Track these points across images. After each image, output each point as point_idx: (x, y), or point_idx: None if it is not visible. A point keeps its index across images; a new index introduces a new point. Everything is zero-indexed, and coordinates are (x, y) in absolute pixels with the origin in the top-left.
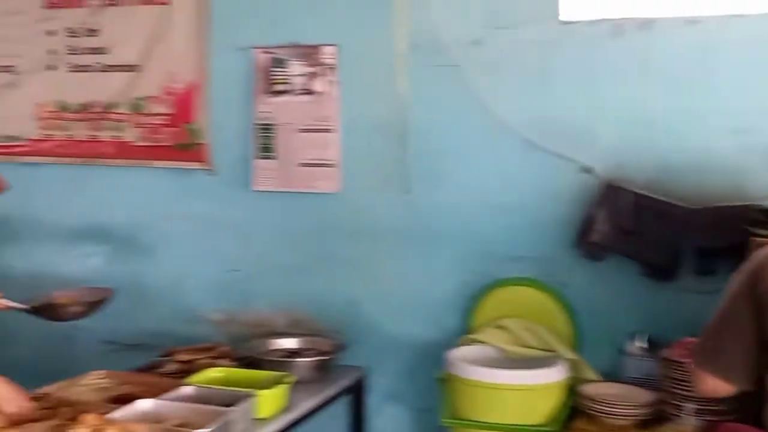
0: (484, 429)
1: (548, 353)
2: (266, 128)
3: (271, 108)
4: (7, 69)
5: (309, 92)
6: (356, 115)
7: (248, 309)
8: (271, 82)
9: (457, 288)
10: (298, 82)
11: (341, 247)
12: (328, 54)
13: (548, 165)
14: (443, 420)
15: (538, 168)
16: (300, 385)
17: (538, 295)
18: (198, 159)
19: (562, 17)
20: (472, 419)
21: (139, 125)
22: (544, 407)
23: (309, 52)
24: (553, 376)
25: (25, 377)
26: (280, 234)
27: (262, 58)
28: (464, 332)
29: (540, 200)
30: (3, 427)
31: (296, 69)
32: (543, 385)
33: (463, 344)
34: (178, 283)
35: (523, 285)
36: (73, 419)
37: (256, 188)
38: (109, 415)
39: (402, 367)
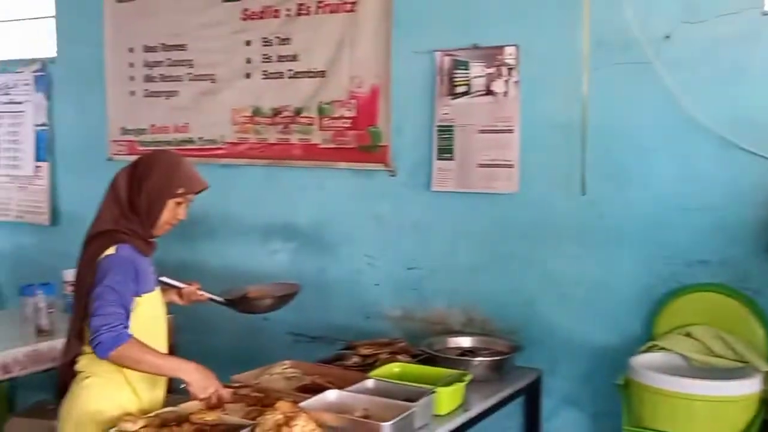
0: None
1: (740, 364)
2: (446, 130)
3: (452, 109)
4: (208, 77)
5: (489, 93)
6: (536, 115)
7: (425, 306)
8: (451, 84)
9: (640, 292)
10: (478, 83)
11: (519, 247)
12: (509, 54)
13: (742, 164)
14: (625, 428)
15: (730, 167)
16: (475, 384)
17: (728, 302)
18: (380, 160)
19: None
20: (656, 428)
21: (325, 128)
22: (736, 421)
23: (490, 54)
24: (748, 388)
25: (222, 364)
26: (457, 233)
27: (444, 60)
28: (646, 338)
29: (731, 202)
30: (201, 410)
31: (477, 70)
32: (736, 397)
33: (646, 351)
34: (359, 279)
35: (712, 291)
36: (267, 406)
37: (435, 189)
38: (300, 404)
39: (579, 371)
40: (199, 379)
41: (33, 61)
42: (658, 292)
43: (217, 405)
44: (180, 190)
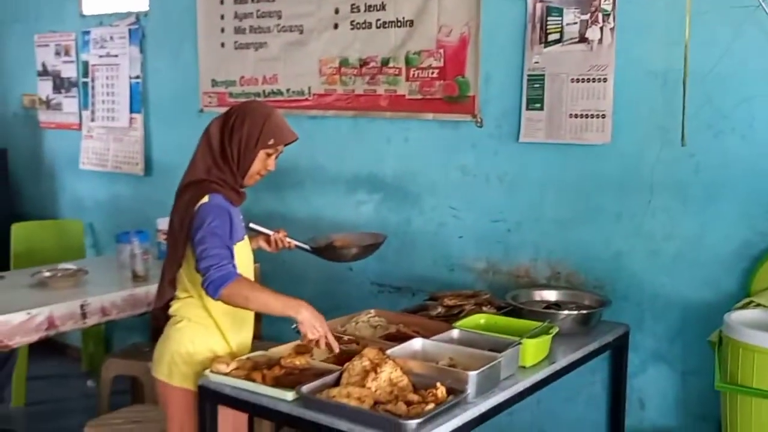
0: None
1: None
2: (536, 79)
3: (543, 58)
4: (296, 28)
5: (583, 40)
6: (632, 63)
7: (510, 259)
8: (543, 32)
9: (737, 247)
10: (572, 30)
11: (609, 200)
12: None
13: None
14: (718, 385)
15: None
16: (561, 338)
17: None
18: (467, 111)
19: None
20: (751, 387)
21: (411, 79)
22: None
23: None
24: None
25: None
26: (545, 186)
27: (536, 6)
28: (742, 295)
29: None
30: (291, 355)
31: (570, 17)
32: None
33: (742, 307)
34: (443, 231)
35: None
36: (355, 352)
37: (523, 140)
38: (386, 351)
39: (668, 327)
40: (310, 317)
41: (128, 14)
42: (756, 247)
43: (305, 350)
44: (270, 141)
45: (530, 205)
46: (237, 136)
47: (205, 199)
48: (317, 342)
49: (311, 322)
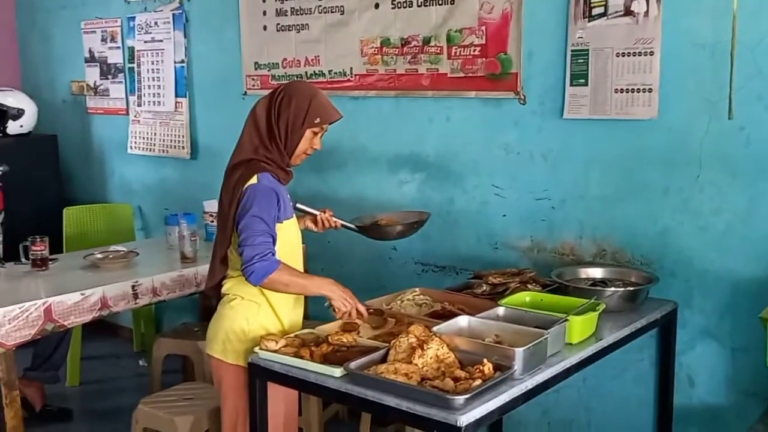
0: None
1: None
2: (580, 54)
3: (587, 32)
4: (337, 9)
5: (628, 13)
6: (679, 35)
7: (555, 237)
8: (587, 5)
9: None
10: (616, 3)
11: (655, 176)
12: None
13: None
14: None
15: None
16: (608, 315)
17: None
18: (509, 88)
19: None
20: None
21: (453, 57)
22: None
23: None
24: None
25: (355, 290)
26: (590, 162)
27: None
28: None
29: None
30: (338, 332)
31: None
32: None
33: None
34: (486, 210)
35: None
36: (400, 330)
37: (567, 116)
38: (432, 328)
39: (717, 304)
40: (340, 293)
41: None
42: None
43: (351, 328)
44: (317, 120)
45: (574, 182)
46: (284, 116)
47: (254, 179)
48: (350, 314)
49: (341, 297)
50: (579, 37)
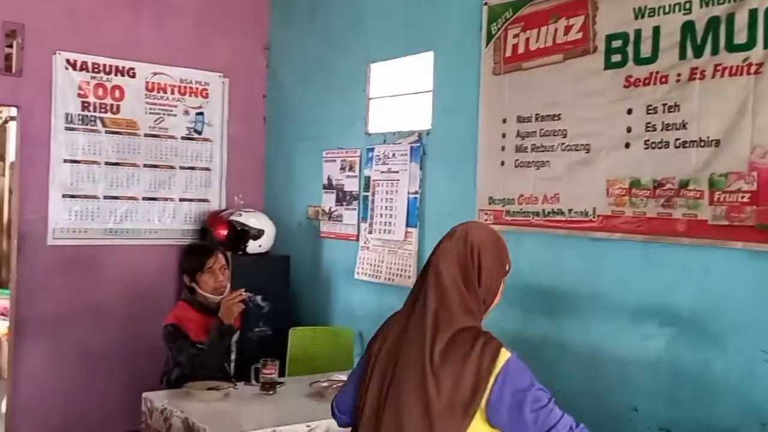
0: None
1: None
2: None
3: None
4: (583, 147)
5: None
6: None
7: None
8: None
9: None
10: None
11: None
12: None
13: None
14: None
15: None
16: None
17: None
18: None
19: None
20: None
21: (716, 203)
22: None
23: None
24: None
25: None
26: None
27: None
28: None
29: None
30: None
31: None
32: None
33: None
34: (752, 378)
35: None
36: None
37: None
38: None
39: None
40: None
41: (410, 133)
42: None
43: None
44: (507, 267)
45: None
46: (484, 272)
47: (504, 355)
48: None
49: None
50: None
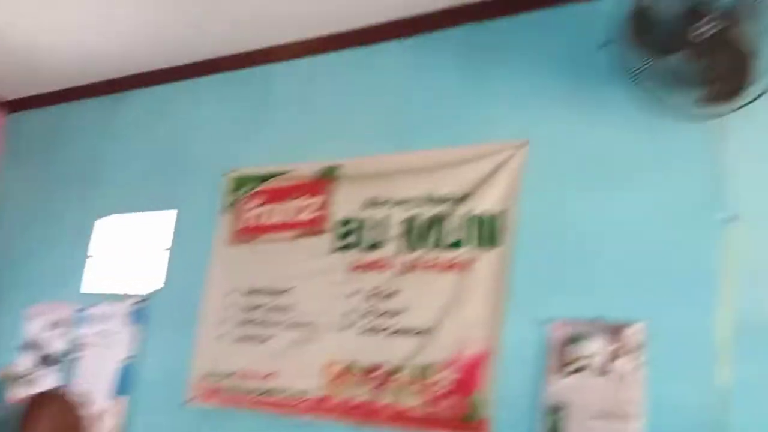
0: None
1: None
2: (555, 410)
3: (563, 388)
4: (306, 326)
5: (608, 373)
6: (663, 403)
7: None
8: (565, 361)
9: None
10: (597, 361)
11: None
12: (634, 332)
13: None
14: None
15: None
16: None
17: None
18: None
19: None
20: None
21: (420, 392)
22: None
23: (613, 328)
24: None
25: None
26: None
27: (559, 333)
28: None
29: None
30: None
31: (596, 346)
32: None
33: None
34: None
35: None
36: None
37: None
38: None
39: None
40: None
41: (132, 296)
42: None
43: None
44: None
45: None
46: None
47: None
48: None
49: None
50: (555, 392)
